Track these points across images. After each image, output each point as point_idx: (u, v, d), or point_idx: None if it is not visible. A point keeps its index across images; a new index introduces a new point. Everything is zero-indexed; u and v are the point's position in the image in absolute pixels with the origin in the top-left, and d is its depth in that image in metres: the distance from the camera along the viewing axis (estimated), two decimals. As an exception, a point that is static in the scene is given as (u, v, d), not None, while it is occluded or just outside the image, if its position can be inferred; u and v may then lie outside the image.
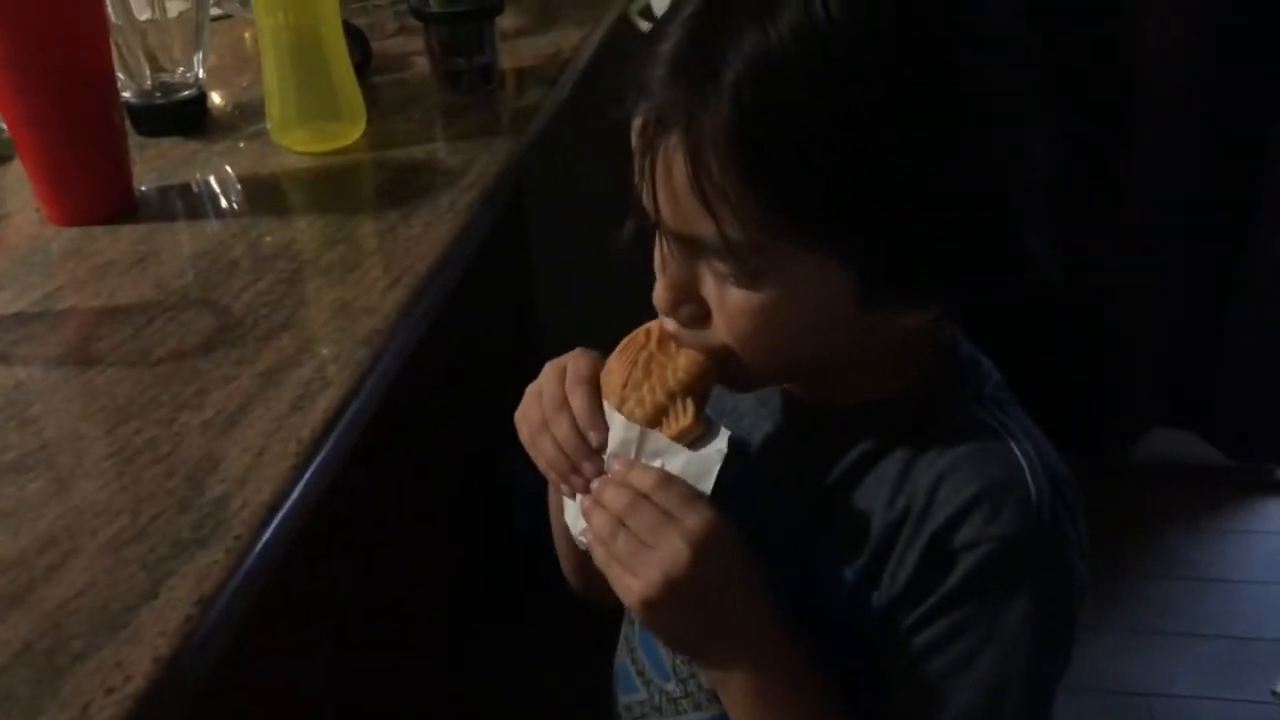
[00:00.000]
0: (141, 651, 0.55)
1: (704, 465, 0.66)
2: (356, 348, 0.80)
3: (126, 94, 1.16)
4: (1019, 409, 0.71)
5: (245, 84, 1.35)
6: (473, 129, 1.19)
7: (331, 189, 1.09)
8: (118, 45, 1.11)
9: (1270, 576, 1.92)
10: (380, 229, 0.98)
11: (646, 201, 0.62)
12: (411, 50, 1.39)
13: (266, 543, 0.63)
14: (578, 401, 0.70)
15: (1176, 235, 1.91)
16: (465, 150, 1.12)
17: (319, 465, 0.70)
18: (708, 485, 0.65)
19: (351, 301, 0.86)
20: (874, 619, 0.68)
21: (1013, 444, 0.67)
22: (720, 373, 0.67)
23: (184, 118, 1.20)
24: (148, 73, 1.17)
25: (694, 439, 0.66)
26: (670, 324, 0.68)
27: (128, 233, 0.99)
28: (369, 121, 1.17)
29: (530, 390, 0.75)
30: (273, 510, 0.65)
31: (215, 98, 1.30)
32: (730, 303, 0.63)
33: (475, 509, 1.65)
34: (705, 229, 0.59)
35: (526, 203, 1.80)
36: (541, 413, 0.72)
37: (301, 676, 1.03)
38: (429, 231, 0.96)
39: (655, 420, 0.67)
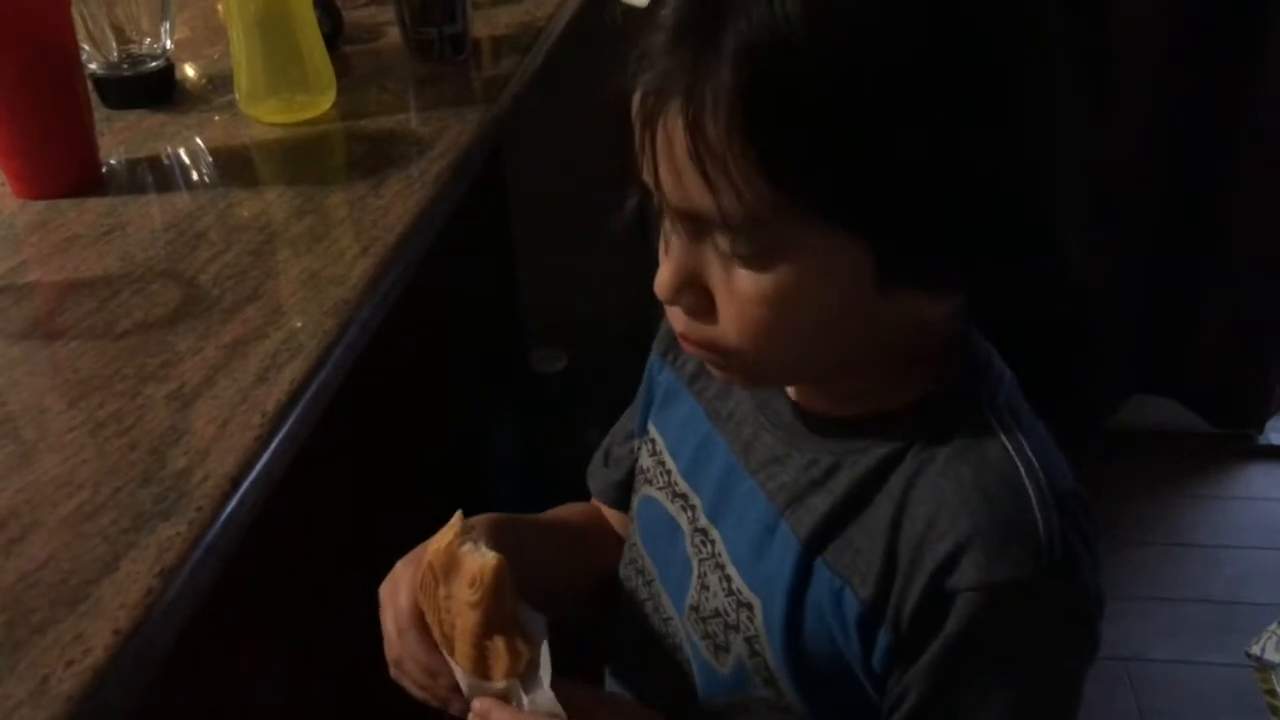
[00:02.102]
0: (101, 624, 0.54)
1: (542, 701, 0.65)
2: (324, 318, 0.79)
3: (93, 66, 1.14)
4: (1030, 415, 0.68)
5: (216, 55, 1.33)
6: (444, 98, 1.18)
7: (301, 160, 1.08)
8: (82, 17, 1.10)
9: (1249, 541, 1.93)
10: (350, 199, 0.97)
11: (647, 176, 0.60)
12: (383, 20, 1.38)
13: (229, 515, 0.63)
14: (410, 649, 0.71)
15: (1153, 201, 1.92)
16: (436, 120, 1.11)
17: (284, 436, 0.69)
18: (558, 709, 0.65)
19: (319, 272, 0.85)
20: (882, 658, 0.64)
21: (1020, 465, 0.62)
22: (727, 369, 0.65)
23: (152, 89, 1.19)
24: (114, 44, 1.15)
25: (521, 666, 0.65)
26: (677, 319, 0.64)
27: (94, 205, 0.98)
28: (339, 92, 1.16)
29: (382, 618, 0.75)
30: (236, 482, 0.64)
31: (186, 69, 1.28)
32: (738, 288, 0.60)
33: (452, 479, 1.64)
34: (706, 203, 0.57)
35: (506, 170, 1.79)
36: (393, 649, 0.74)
37: (269, 649, 1.03)
38: (398, 201, 0.95)
39: (482, 667, 0.66)
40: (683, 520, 0.77)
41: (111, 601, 0.56)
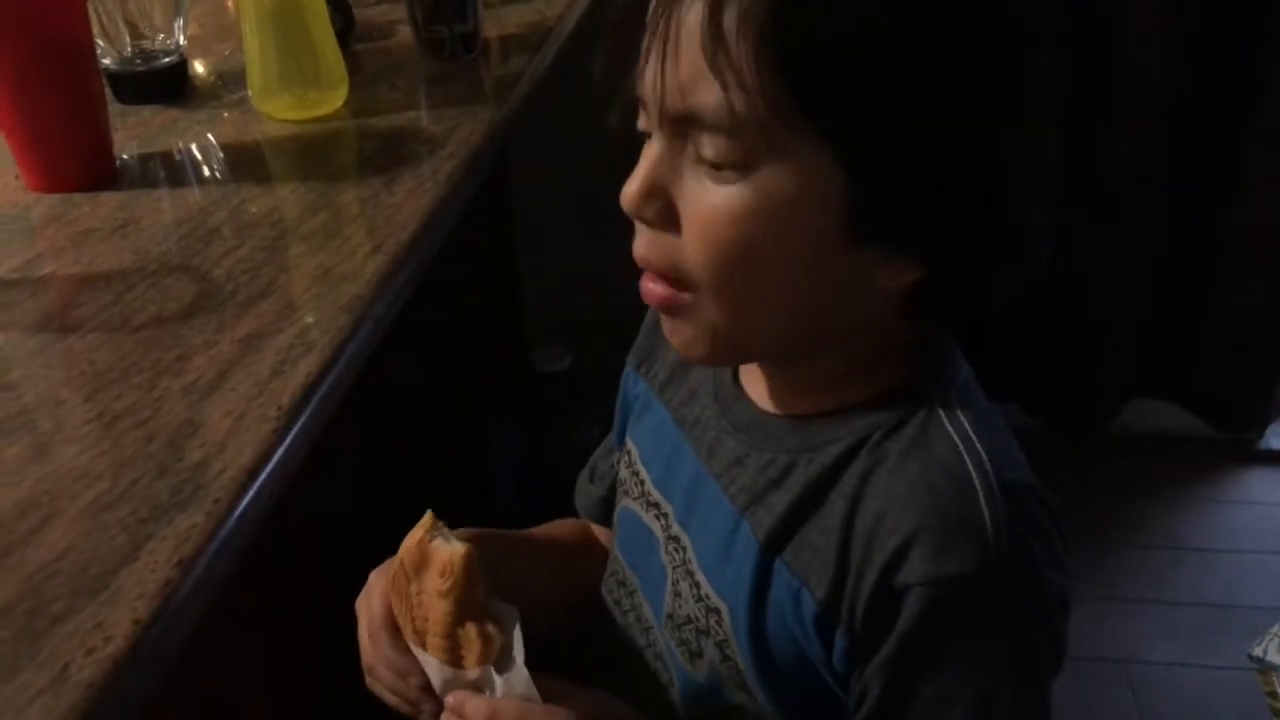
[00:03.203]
0: (121, 613, 0.55)
1: (516, 682, 0.66)
2: (338, 314, 0.80)
3: (106, 61, 1.15)
4: (986, 406, 0.67)
5: (227, 52, 1.34)
6: (455, 97, 1.19)
7: (313, 156, 1.09)
8: (97, 12, 1.11)
9: (1249, 545, 1.94)
10: (362, 196, 0.98)
11: (650, 76, 0.59)
12: (395, 18, 1.38)
13: (246, 507, 0.64)
14: (382, 651, 0.72)
15: (1155, 205, 1.92)
16: (448, 118, 1.12)
17: (299, 430, 0.70)
18: (533, 692, 0.66)
19: (333, 268, 0.86)
20: (842, 659, 0.64)
21: (967, 458, 0.62)
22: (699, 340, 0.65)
23: (165, 85, 1.20)
24: (128, 40, 1.16)
25: (494, 652, 0.66)
26: (640, 241, 0.63)
27: (108, 200, 0.98)
28: (351, 89, 1.17)
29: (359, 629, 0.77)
30: (253, 474, 0.65)
31: (197, 66, 1.29)
32: (709, 203, 0.59)
33: (456, 479, 1.65)
34: (706, 98, 0.57)
35: (512, 168, 1.80)
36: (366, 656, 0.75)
37: (284, 641, 1.04)
38: (411, 199, 0.96)
39: (455, 658, 0.67)
40: (657, 529, 0.78)
41: (130, 591, 0.56)
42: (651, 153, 0.62)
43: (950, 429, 0.64)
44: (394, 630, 0.72)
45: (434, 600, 0.67)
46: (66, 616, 0.55)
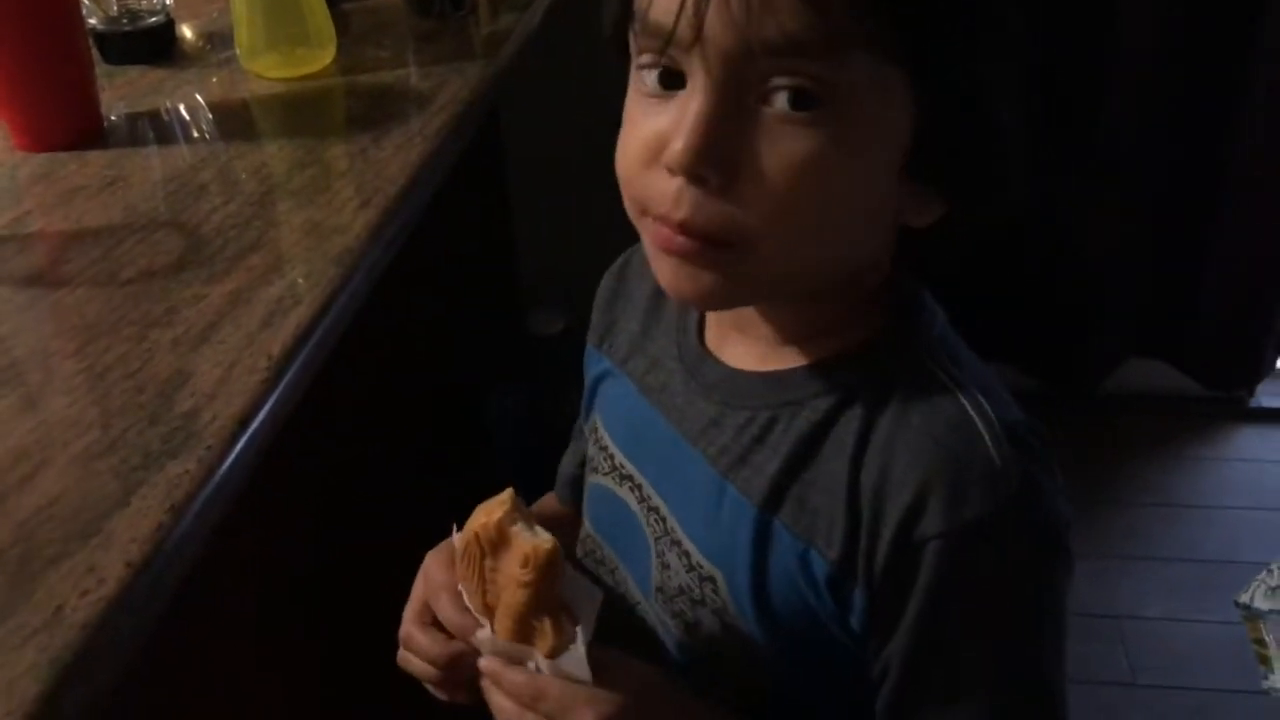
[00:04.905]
0: (114, 556, 0.55)
1: (568, 662, 0.64)
2: (328, 266, 0.80)
3: (93, 21, 1.14)
4: (965, 349, 0.67)
5: (214, 14, 1.33)
6: (444, 54, 1.18)
7: (302, 114, 1.08)
8: (82, -29, 1.10)
9: (1241, 502, 1.95)
10: (351, 152, 0.98)
11: (692, 10, 0.53)
12: (383, -23, 1.37)
13: (238, 455, 0.64)
14: (444, 610, 0.70)
15: (1147, 165, 1.92)
16: (436, 75, 1.12)
17: (290, 380, 0.70)
18: (585, 672, 0.64)
19: (322, 222, 0.86)
20: (861, 617, 0.63)
21: (966, 403, 0.62)
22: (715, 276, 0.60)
23: (152, 45, 1.19)
24: (114, 0, 1.15)
25: (564, 646, 0.64)
26: (683, 202, 0.57)
27: (96, 158, 0.98)
28: (339, 48, 1.16)
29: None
30: (243, 423, 0.65)
31: (185, 28, 1.28)
32: (788, 150, 0.54)
33: (450, 443, 1.65)
34: (792, 22, 0.51)
35: (504, 129, 1.79)
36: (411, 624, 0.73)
37: (276, 588, 1.04)
38: (399, 154, 0.95)
39: (525, 637, 0.65)
40: (632, 501, 0.75)
41: (123, 535, 0.57)
42: (699, 102, 0.55)
43: (943, 377, 0.63)
44: (456, 594, 0.70)
45: (510, 585, 0.64)
46: (60, 560, 0.55)
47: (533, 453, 1.72)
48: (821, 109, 0.54)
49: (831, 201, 0.57)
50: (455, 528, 0.70)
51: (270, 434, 0.68)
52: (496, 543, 0.65)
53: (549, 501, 0.95)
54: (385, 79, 1.13)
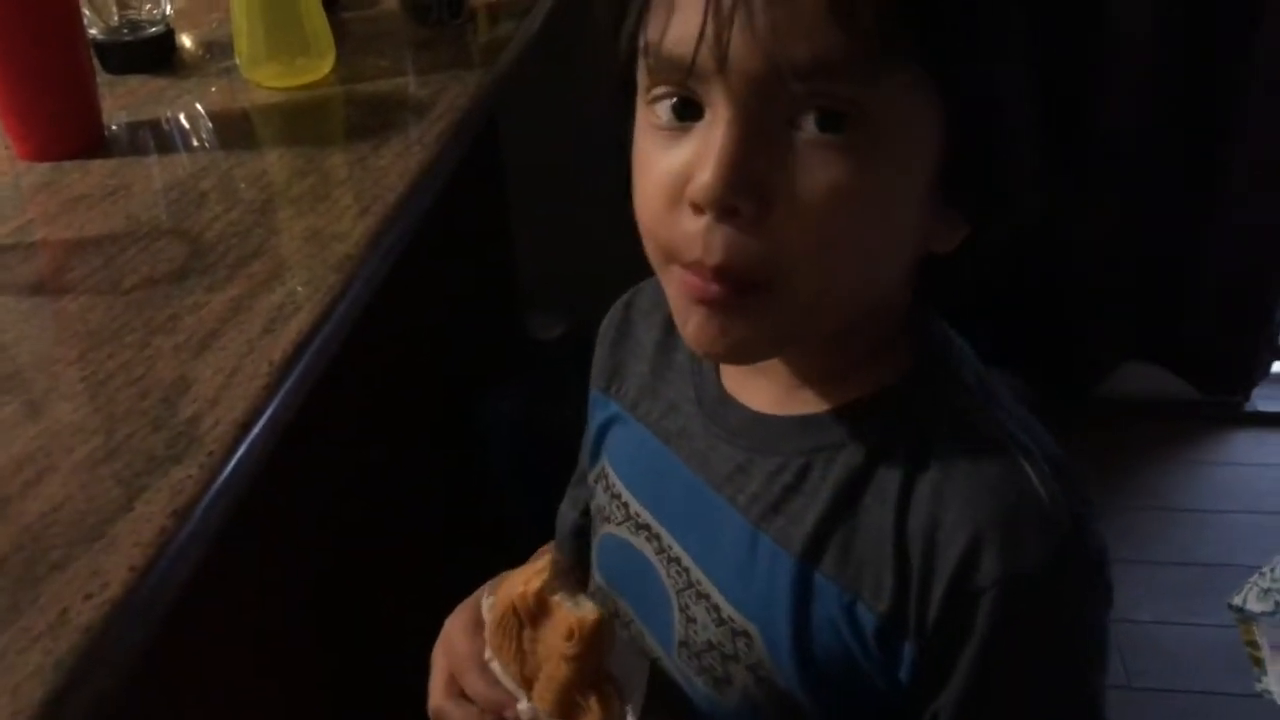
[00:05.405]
0: (118, 560, 0.56)
1: None
2: (328, 273, 0.80)
3: (93, 31, 1.15)
4: (999, 386, 0.64)
5: (214, 24, 1.34)
6: (442, 62, 1.19)
7: (301, 123, 1.09)
8: (83, -19, 1.11)
9: (1235, 506, 1.96)
10: (350, 160, 0.98)
11: (715, 32, 0.50)
12: (381, -14, 1.39)
13: (240, 459, 0.64)
14: (476, 688, 0.68)
15: (1143, 169, 1.93)
16: (434, 83, 1.13)
17: (291, 385, 0.71)
18: None
19: (322, 229, 0.86)
20: (910, 670, 0.61)
21: (1011, 446, 0.60)
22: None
23: (152, 55, 1.20)
24: (114, 10, 1.16)
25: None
26: (714, 246, 0.53)
27: (98, 167, 0.99)
28: (338, 57, 1.17)
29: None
30: (245, 428, 0.66)
31: (185, 38, 1.29)
32: (827, 177, 0.52)
33: (450, 448, 1.66)
34: (826, 42, 0.49)
35: (501, 138, 1.80)
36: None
37: (275, 594, 1.05)
38: (398, 162, 0.96)
39: (568, 712, 0.63)
40: (649, 552, 0.72)
41: (127, 540, 0.57)
42: (724, 130, 0.52)
43: (984, 419, 0.61)
44: (483, 665, 0.68)
45: (553, 657, 0.63)
46: (64, 564, 0.56)
47: (529, 456, 1.73)
48: (853, 131, 0.52)
49: (867, 227, 0.54)
50: (486, 594, 0.68)
51: (271, 439, 0.68)
52: (536, 613, 0.63)
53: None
54: (384, 87, 1.14)
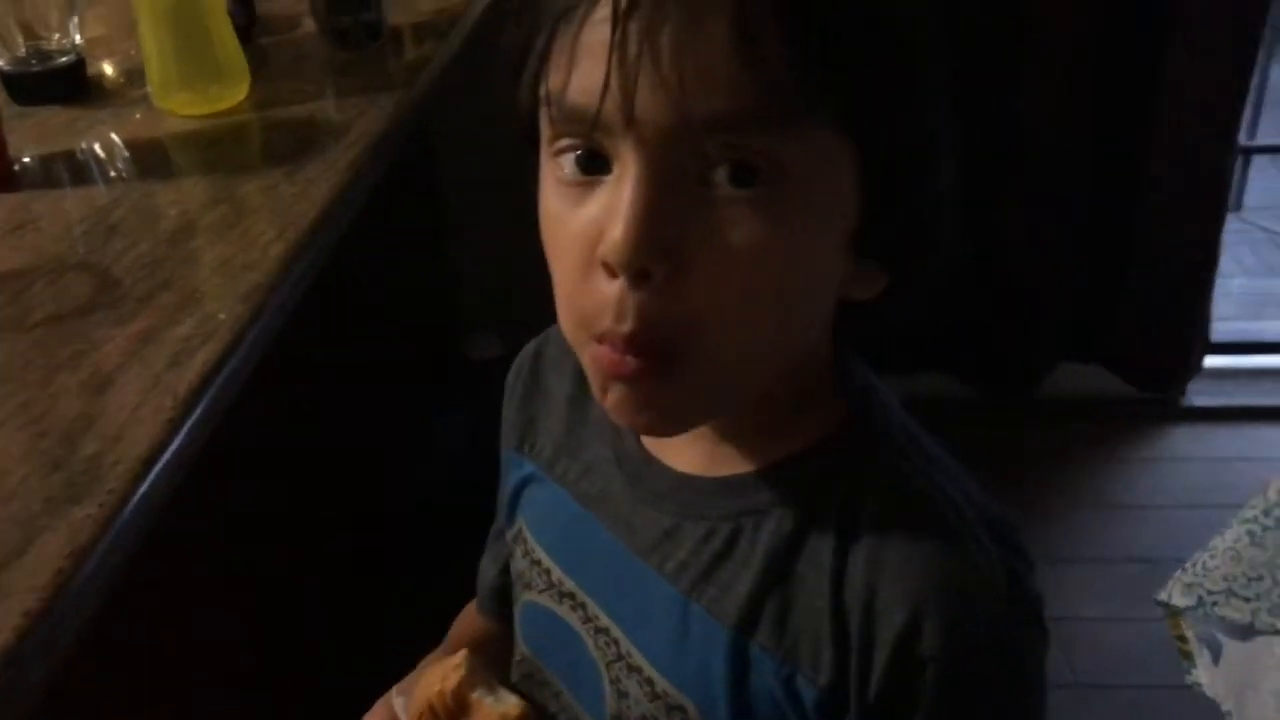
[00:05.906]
0: (10, 606, 0.55)
1: None
2: (237, 303, 0.79)
3: (0, 62, 1.13)
4: (928, 439, 0.62)
5: (132, 51, 1.32)
6: (360, 85, 1.18)
7: (215, 150, 1.08)
8: (-13, 13, 1.09)
9: (1174, 501, 1.99)
10: (264, 187, 0.97)
11: (621, 88, 0.48)
12: (299, 11, 1.37)
13: (143, 496, 0.63)
14: None
15: (1074, 173, 1.96)
16: (351, 107, 1.12)
17: (197, 419, 0.70)
18: None
19: (233, 258, 0.85)
20: None
21: (945, 509, 0.58)
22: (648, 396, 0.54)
23: (63, 85, 1.18)
24: (20, 40, 1.14)
25: None
26: (628, 312, 0.51)
27: (5, 202, 0.97)
28: (255, 83, 1.16)
29: None
30: (148, 464, 0.65)
31: (104, 66, 1.27)
32: (746, 231, 0.50)
33: (388, 470, 1.65)
34: (739, 94, 0.47)
35: (438, 155, 1.79)
36: None
37: (189, 634, 1.03)
38: (312, 187, 0.95)
39: None
40: (575, 621, 0.68)
41: (21, 584, 0.56)
42: (633, 186, 0.50)
43: (919, 480, 0.59)
44: None
45: None
46: (-46, 612, 0.55)
47: (470, 480, 1.72)
48: (767, 185, 0.50)
49: (786, 284, 0.53)
50: (395, 693, 0.67)
51: (177, 474, 0.67)
52: (455, 711, 0.62)
53: (468, 620, 0.86)
54: (301, 112, 1.13)
